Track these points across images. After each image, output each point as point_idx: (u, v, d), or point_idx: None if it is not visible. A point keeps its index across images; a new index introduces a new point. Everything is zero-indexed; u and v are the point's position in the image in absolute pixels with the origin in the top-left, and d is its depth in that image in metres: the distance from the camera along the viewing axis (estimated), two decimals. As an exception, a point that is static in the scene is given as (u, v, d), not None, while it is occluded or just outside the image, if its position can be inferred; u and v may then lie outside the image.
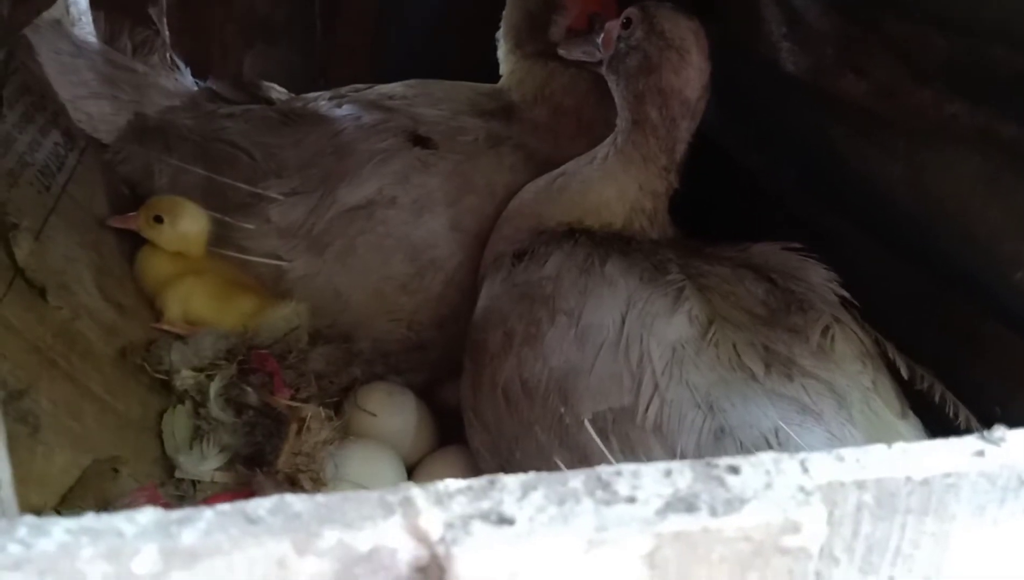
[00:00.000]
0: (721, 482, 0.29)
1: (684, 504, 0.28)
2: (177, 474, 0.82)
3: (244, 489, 0.79)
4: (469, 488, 0.28)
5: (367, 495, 0.28)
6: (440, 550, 0.27)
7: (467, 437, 0.86)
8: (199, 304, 0.95)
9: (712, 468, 0.29)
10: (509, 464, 0.78)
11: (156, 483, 0.78)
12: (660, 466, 0.29)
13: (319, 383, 0.91)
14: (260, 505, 0.27)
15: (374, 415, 0.92)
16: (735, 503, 0.28)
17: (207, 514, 0.27)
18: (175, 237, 0.96)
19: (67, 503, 0.70)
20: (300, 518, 0.27)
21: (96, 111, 1.06)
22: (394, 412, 0.94)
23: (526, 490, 0.28)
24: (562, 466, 0.72)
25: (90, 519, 0.26)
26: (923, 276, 0.81)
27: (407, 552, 0.27)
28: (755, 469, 0.29)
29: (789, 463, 0.30)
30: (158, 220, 0.96)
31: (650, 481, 0.29)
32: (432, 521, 0.27)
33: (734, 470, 0.29)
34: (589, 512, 0.28)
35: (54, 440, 0.72)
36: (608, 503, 0.28)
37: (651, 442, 0.68)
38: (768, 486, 0.29)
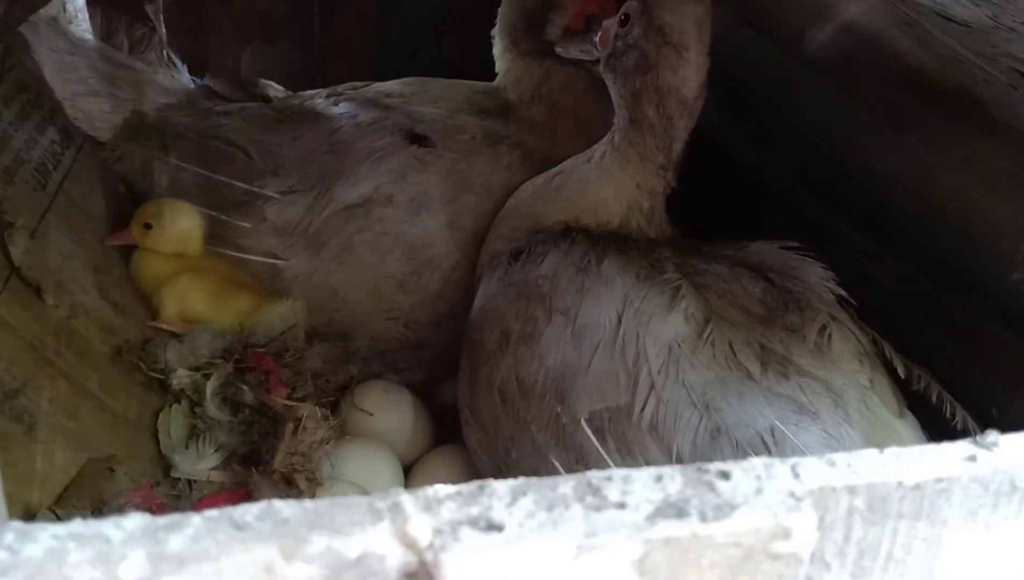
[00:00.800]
0: (711, 487, 0.29)
1: (674, 510, 0.28)
2: (173, 473, 0.81)
3: (240, 489, 0.79)
4: (458, 494, 0.28)
5: (356, 501, 0.28)
6: (429, 556, 0.27)
7: (464, 436, 0.85)
8: (195, 302, 0.94)
9: (702, 473, 0.29)
10: (505, 464, 0.78)
11: (152, 482, 0.78)
12: (650, 471, 0.29)
13: (316, 382, 0.90)
14: (248, 511, 0.27)
15: (371, 414, 0.92)
16: (725, 508, 0.28)
17: (195, 520, 0.27)
18: (169, 239, 0.96)
19: (62, 502, 0.69)
20: (288, 524, 0.27)
21: (93, 109, 1.06)
22: (391, 411, 0.94)
23: (515, 496, 0.28)
24: (558, 466, 0.72)
25: (77, 525, 0.26)
26: (922, 275, 0.81)
27: (396, 558, 0.27)
28: (746, 474, 0.29)
29: (780, 468, 0.29)
30: (148, 227, 0.96)
31: (640, 486, 0.29)
32: (421, 527, 0.27)
33: (724, 475, 0.29)
34: (579, 518, 0.28)
35: (50, 438, 0.72)
36: (598, 509, 0.28)
37: (647, 441, 0.68)
38: (759, 491, 0.29)
